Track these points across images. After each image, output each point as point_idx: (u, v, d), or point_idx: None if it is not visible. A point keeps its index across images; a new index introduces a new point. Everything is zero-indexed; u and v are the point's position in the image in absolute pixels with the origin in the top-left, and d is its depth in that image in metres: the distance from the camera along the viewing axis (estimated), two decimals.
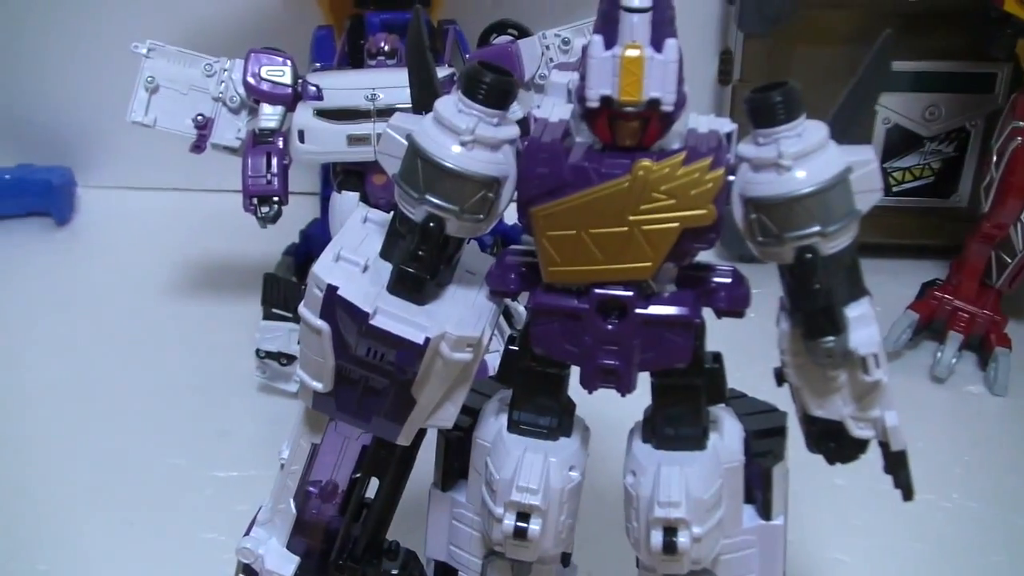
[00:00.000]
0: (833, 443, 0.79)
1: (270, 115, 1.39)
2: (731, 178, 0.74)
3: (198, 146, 1.42)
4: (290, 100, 1.37)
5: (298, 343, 0.82)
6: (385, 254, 0.81)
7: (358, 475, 0.90)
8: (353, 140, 1.33)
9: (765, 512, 0.86)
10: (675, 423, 0.82)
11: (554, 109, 0.80)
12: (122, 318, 1.62)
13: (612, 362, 0.77)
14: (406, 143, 0.77)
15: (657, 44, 0.70)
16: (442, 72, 1.32)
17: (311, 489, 0.90)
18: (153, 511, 1.24)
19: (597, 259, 0.75)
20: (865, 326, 0.74)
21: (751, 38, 1.69)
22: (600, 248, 0.75)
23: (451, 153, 0.74)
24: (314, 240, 1.54)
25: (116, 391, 1.45)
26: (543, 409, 0.83)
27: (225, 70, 1.41)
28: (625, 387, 0.78)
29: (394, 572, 0.94)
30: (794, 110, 0.71)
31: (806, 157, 0.71)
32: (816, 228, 0.71)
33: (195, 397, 1.44)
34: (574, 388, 0.82)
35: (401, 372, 0.78)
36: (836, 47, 1.62)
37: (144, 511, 1.24)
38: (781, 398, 0.83)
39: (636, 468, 0.81)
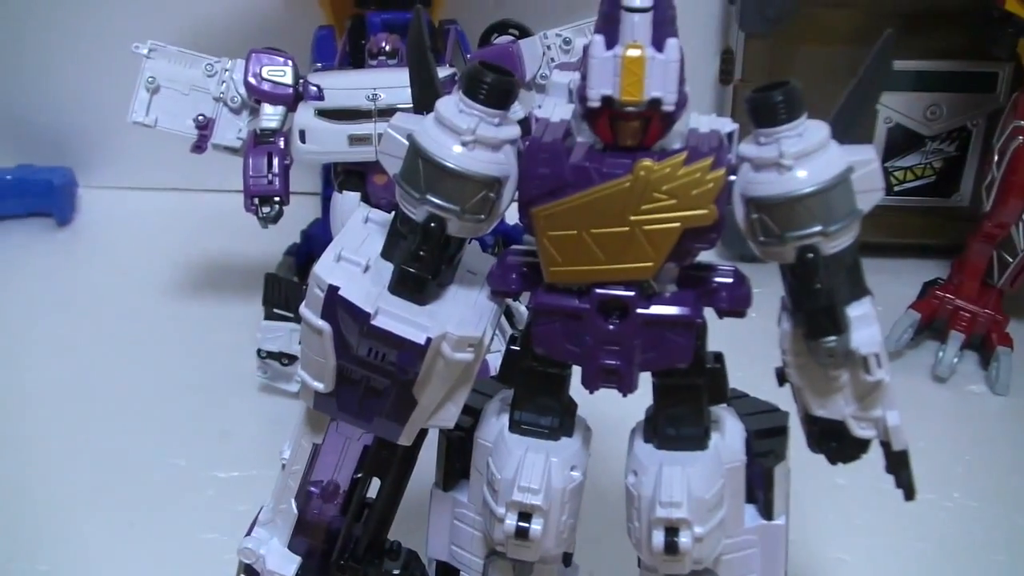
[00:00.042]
0: (835, 443, 0.79)
1: (271, 115, 1.39)
2: (732, 178, 0.74)
3: (199, 146, 1.42)
4: (291, 100, 1.37)
5: (299, 343, 0.82)
6: (386, 254, 0.81)
7: (359, 475, 0.90)
8: (354, 140, 1.33)
9: (767, 512, 0.86)
10: (677, 423, 0.81)
11: (555, 109, 0.80)
12: (123, 318, 1.62)
13: (613, 362, 0.77)
14: (407, 143, 0.77)
15: (658, 44, 0.70)
16: (443, 72, 1.32)
17: (312, 489, 0.90)
18: (154, 511, 1.24)
19: (598, 259, 0.75)
20: (867, 326, 0.74)
21: (752, 38, 1.69)
22: (601, 248, 0.74)
23: (452, 153, 0.74)
24: (315, 240, 1.54)
25: (117, 391, 1.45)
26: (545, 409, 0.83)
27: (226, 70, 1.41)
28: (626, 387, 0.78)
29: (396, 572, 0.94)
30: (795, 110, 0.71)
31: (807, 157, 0.71)
32: (818, 228, 0.71)
33: (196, 397, 1.44)
34: (575, 388, 0.82)
35: (402, 372, 0.78)
36: (837, 47, 1.62)
37: (145, 511, 1.24)
38: (782, 398, 0.83)
39: (638, 468, 0.81)
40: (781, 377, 0.79)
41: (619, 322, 0.76)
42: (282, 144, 1.37)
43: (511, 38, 1.46)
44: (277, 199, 1.36)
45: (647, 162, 0.72)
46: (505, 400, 0.85)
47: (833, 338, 0.73)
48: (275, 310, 1.40)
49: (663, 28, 0.70)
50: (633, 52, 0.70)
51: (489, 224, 0.77)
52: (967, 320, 1.52)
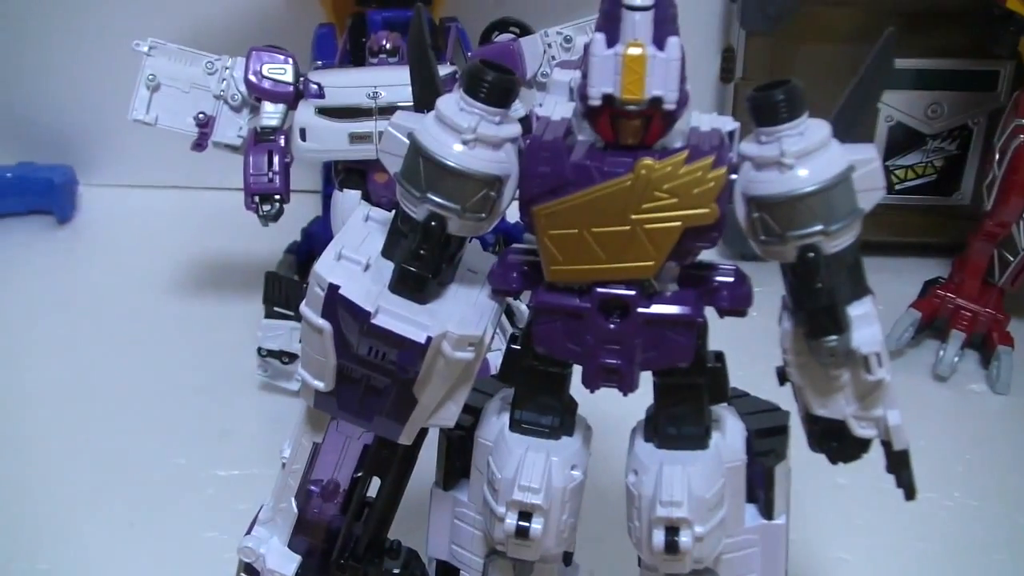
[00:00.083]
0: (835, 442, 0.79)
1: (272, 113, 1.39)
2: (733, 177, 0.73)
3: (199, 144, 1.42)
4: (292, 98, 1.37)
5: (300, 342, 0.82)
6: (387, 253, 0.81)
7: (360, 474, 0.90)
8: (355, 138, 1.33)
9: (767, 511, 0.86)
10: (677, 422, 0.81)
11: (556, 107, 0.79)
12: (123, 316, 1.62)
13: (614, 361, 0.77)
14: (408, 141, 0.77)
15: (659, 42, 0.70)
16: (444, 70, 1.31)
17: (313, 488, 0.90)
18: (154, 510, 1.24)
19: (599, 258, 0.75)
20: (867, 325, 0.74)
21: (753, 36, 1.69)
22: (602, 247, 0.74)
23: (453, 152, 0.74)
24: (316, 238, 1.54)
25: (117, 390, 1.45)
26: (545, 408, 0.83)
27: (227, 68, 1.41)
28: (627, 386, 0.78)
29: (396, 571, 0.94)
30: (796, 108, 0.71)
31: (808, 156, 0.71)
32: (819, 227, 0.71)
33: (196, 396, 1.44)
34: (576, 387, 0.82)
35: (403, 371, 0.78)
36: (838, 45, 1.62)
37: (145, 510, 1.24)
38: (783, 397, 0.83)
39: (638, 467, 0.81)
40: (782, 376, 0.79)
41: (620, 321, 0.76)
42: (282, 142, 1.37)
43: (512, 36, 1.46)
44: (277, 197, 1.36)
45: (648, 161, 0.72)
46: (506, 399, 0.85)
47: (834, 337, 0.73)
48: (275, 308, 1.40)
49: (664, 26, 0.70)
50: (634, 50, 0.70)
51: (490, 223, 0.77)
52: (968, 319, 1.52)
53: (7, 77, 1.92)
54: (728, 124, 0.77)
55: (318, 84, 1.35)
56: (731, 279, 0.78)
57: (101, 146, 1.95)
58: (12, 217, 1.88)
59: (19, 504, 1.25)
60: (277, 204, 1.36)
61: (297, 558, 0.92)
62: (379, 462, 0.89)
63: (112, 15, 1.84)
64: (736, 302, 0.78)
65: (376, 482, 0.91)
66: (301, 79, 1.37)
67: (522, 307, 1.33)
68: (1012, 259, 1.50)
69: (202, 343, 1.55)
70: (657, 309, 0.76)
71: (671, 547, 0.77)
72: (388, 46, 1.40)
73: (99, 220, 1.91)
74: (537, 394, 0.83)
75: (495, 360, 0.88)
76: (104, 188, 1.96)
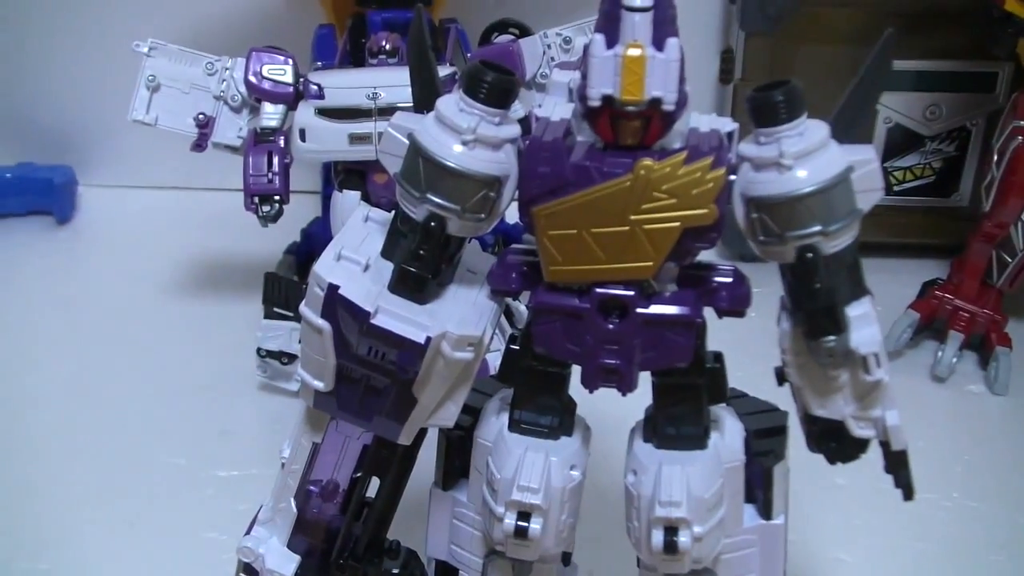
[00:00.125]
0: (834, 442, 0.79)
1: (271, 114, 1.39)
2: (732, 177, 0.74)
3: (199, 145, 1.42)
4: (291, 99, 1.38)
5: (299, 342, 0.82)
6: (386, 253, 0.81)
7: (359, 474, 0.90)
8: (354, 139, 1.33)
9: (766, 511, 0.86)
10: (676, 422, 0.82)
11: (555, 108, 0.80)
12: (123, 317, 1.62)
13: (613, 361, 0.77)
14: (407, 142, 0.77)
15: (659, 43, 0.70)
16: (443, 71, 1.32)
17: (312, 488, 0.90)
18: (154, 510, 1.24)
19: (598, 258, 0.75)
20: (866, 325, 0.74)
21: (753, 37, 1.69)
22: (601, 247, 0.74)
23: (452, 152, 0.74)
24: (315, 239, 1.54)
25: (117, 390, 1.45)
26: (544, 408, 0.83)
27: (227, 69, 1.41)
28: (626, 386, 0.78)
29: (395, 571, 0.94)
30: (796, 109, 0.71)
31: (807, 156, 0.71)
32: (817, 227, 0.71)
33: (196, 396, 1.44)
34: (575, 387, 0.82)
35: (402, 371, 0.78)
36: (838, 46, 1.62)
37: (145, 510, 1.24)
38: (782, 397, 0.83)
39: (637, 467, 0.81)
40: (780, 377, 0.79)
41: (619, 321, 0.76)
42: (282, 143, 1.37)
43: (511, 37, 1.46)
44: (277, 198, 1.36)
45: (647, 161, 0.72)
46: (505, 399, 0.85)
47: (833, 338, 0.73)
48: (275, 309, 1.40)
49: (663, 27, 0.70)
50: (634, 51, 0.70)
51: (489, 223, 0.77)
52: (966, 320, 1.52)
53: (7, 77, 1.92)
54: (727, 125, 0.77)
55: (318, 85, 1.35)
56: (730, 280, 0.78)
57: (101, 146, 1.95)
58: (12, 217, 1.88)
59: (19, 504, 1.25)
60: (277, 205, 1.36)
61: (296, 558, 0.92)
62: (378, 462, 0.89)
63: (112, 15, 1.84)
64: (735, 303, 0.78)
65: (375, 482, 0.91)
66: (301, 80, 1.37)
67: (521, 307, 1.33)
68: (1010, 260, 1.50)
69: (202, 343, 1.55)
70: (656, 309, 0.76)
71: (670, 547, 0.78)
72: (388, 47, 1.40)
73: (99, 220, 1.91)
74: (536, 394, 0.83)
75: (494, 360, 0.88)
76: (104, 188, 1.96)
